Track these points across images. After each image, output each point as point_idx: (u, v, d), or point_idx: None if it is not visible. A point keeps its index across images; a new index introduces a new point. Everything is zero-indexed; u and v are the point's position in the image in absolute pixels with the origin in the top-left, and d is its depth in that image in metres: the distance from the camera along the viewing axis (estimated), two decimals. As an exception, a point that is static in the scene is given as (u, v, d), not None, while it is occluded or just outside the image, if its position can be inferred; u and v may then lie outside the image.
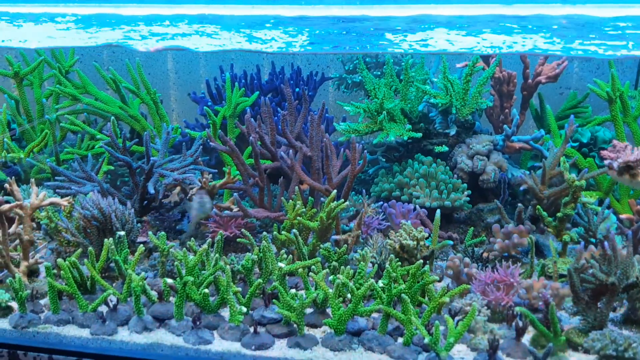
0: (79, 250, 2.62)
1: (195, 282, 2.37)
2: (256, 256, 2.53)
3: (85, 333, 2.31)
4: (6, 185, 2.54)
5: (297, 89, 3.72)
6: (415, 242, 2.60)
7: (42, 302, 2.50)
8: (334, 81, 4.06)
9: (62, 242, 2.90)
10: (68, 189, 2.94)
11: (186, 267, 2.39)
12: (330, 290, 2.24)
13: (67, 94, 3.51)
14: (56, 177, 3.06)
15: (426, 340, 1.99)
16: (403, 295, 2.12)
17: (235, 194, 3.05)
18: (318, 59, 4.36)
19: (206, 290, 2.33)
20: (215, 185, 3.03)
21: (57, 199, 2.64)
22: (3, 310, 2.43)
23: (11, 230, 2.73)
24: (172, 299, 2.40)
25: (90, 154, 3.42)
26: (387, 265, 2.28)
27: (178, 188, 3.09)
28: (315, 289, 2.31)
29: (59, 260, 2.40)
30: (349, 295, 2.32)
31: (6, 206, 2.50)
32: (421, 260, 2.30)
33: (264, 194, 2.96)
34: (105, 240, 2.57)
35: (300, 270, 2.34)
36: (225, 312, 2.42)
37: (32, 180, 2.70)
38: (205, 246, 2.43)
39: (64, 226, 2.74)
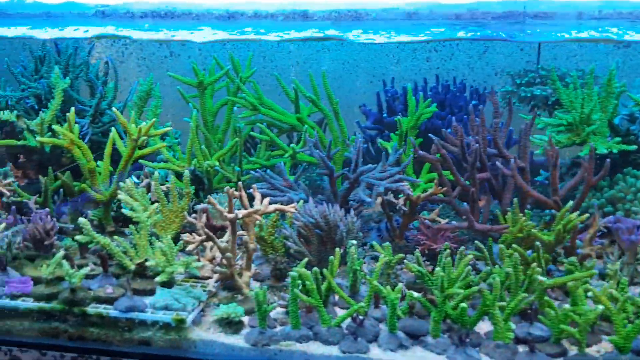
0: (305, 259, 2.52)
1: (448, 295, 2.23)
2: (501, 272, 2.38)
3: (334, 351, 2.17)
4: (228, 190, 2.45)
5: (473, 102, 3.60)
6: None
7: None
8: (502, 94, 3.93)
9: (267, 252, 2.80)
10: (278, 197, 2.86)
11: (447, 279, 2.24)
12: (612, 306, 2.08)
13: (247, 105, 3.46)
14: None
15: None
16: None
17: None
18: (475, 73, 4.27)
19: (464, 305, 2.19)
20: (420, 196, 2.90)
21: (283, 206, 2.55)
22: (235, 325, 2.32)
23: (224, 238, 2.66)
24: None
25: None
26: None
27: (379, 199, 2.97)
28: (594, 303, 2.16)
29: (302, 270, 2.29)
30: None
31: (243, 212, 2.41)
32: None
33: (474, 206, 2.83)
34: (337, 249, 2.46)
35: (571, 284, 2.18)
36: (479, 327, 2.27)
37: (254, 186, 2.61)
38: (470, 256, 2.29)
39: (288, 234, 2.64)
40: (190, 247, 2.49)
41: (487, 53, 4.22)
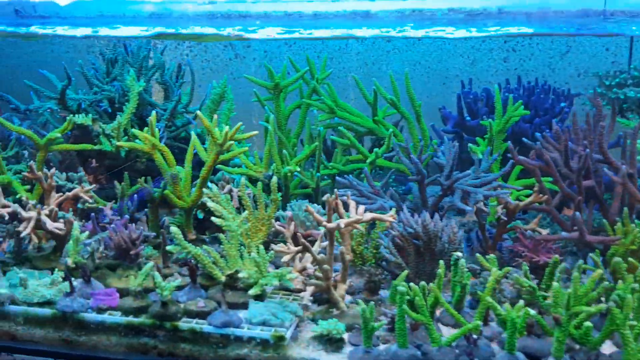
0: (405, 272, 2.35)
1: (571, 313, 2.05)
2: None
3: (447, 373, 2.01)
4: (328, 199, 2.30)
5: (562, 104, 3.40)
6: None
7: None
8: (589, 97, 3.72)
9: (356, 263, 2.66)
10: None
11: (574, 296, 2.06)
12: None
13: (323, 108, 3.32)
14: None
15: None
16: None
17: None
18: (556, 74, 4.07)
19: (589, 323, 2.00)
20: (518, 204, 2.72)
21: (380, 215, 2.39)
22: (336, 343, 2.17)
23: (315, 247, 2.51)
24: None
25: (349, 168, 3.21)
26: None
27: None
28: None
29: (412, 285, 2.13)
30: None
31: (344, 221, 2.26)
32: None
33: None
34: (440, 261, 2.30)
35: None
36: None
37: (348, 194, 2.46)
38: (600, 271, 2.11)
39: (385, 244, 2.49)
40: (285, 258, 2.35)
41: (570, 53, 4.02)
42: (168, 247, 2.35)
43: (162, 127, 3.19)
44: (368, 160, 3.10)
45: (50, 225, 2.49)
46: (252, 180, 3.24)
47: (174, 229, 2.31)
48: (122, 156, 3.15)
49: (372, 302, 2.12)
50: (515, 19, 4.15)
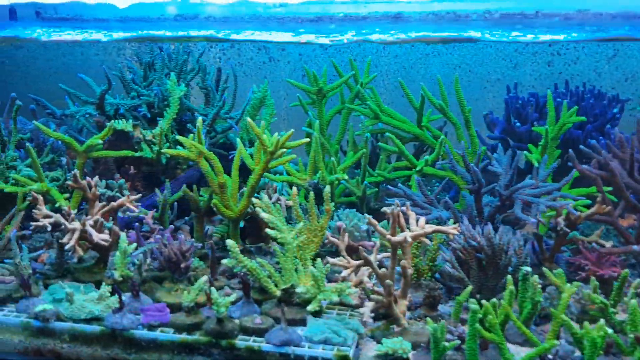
0: (469, 287, 2.24)
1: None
2: None
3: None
4: (392, 210, 2.19)
5: (615, 110, 3.28)
6: None
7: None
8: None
9: (412, 276, 2.54)
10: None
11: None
12: None
13: (367, 113, 3.21)
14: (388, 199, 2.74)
15: None
16: None
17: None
18: (602, 78, 3.95)
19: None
20: (580, 215, 2.60)
21: (443, 227, 2.27)
22: (402, 363, 2.06)
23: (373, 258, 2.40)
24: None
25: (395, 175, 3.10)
26: None
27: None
28: None
29: (484, 302, 2.01)
30: None
31: (410, 234, 2.15)
32: None
33: (645, 227, 2.52)
34: (508, 277, 2.18)
35: None
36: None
37: (407, 205, 2.35)
38: None
39: (447, 258, 2.37)
40: (345, 273, 2.24)
41: (617, 57, 3.90)
42: (224, 261, 2.24)
43: (203, 133, 3.08)
44: (417, 168, 2.98)
45: (96, 236, 2.38)
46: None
47: (230, 242, 2.20)
48: (163, 163, 3.04)
49: (443, 321, 2.01)
50: (553, 21, 4.04)
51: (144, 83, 3.28)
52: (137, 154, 2.99)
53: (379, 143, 3.15)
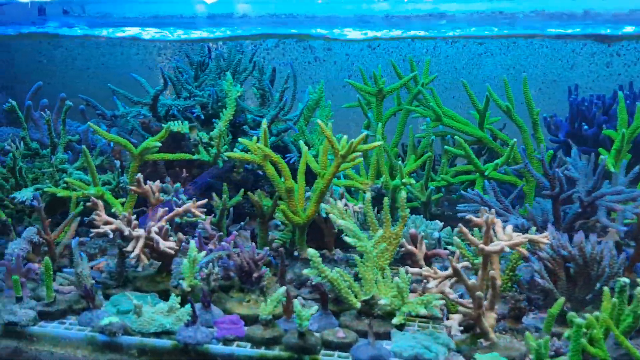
0: (562, 299, 2.10)
1: None
2: None
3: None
4: (473, 217, 2.06)
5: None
6: None
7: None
8: None
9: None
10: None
11: None
12: None
13: (428, 115, 3.09)
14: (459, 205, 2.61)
15: None
16: None
17: None
18: None
19: None
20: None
21: (535, 236, 2.14)
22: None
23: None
24: None
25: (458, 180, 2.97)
26: None
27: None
28: None
29: (587, 315, 1.88)
30: None
31: (503, 243, 2.02)
32: None
33: None
34: (605, 288, 2.04)
35: None
36: None
37: (491, 212, 2.21)
38: None
39: (537, 268, 2.24)
40: (432, 284, 2.11)
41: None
42: (305, 271, 2.11)
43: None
44: (487, 172, 2.85)
45: (163, 244, 2.26)
46: (351, 192, 3.02)
47: (312, 251, 2.07)
48: (220, 166, 2.92)
49: (547, 336, 1.87)
50: (604, 20, 3.91)
51: (195, 83, 3.16)
52: (195, 157, 2.87)
53: (446, 146, 3.02)
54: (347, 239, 2.19)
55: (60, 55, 4.22)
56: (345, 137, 2.42)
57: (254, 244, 2.29)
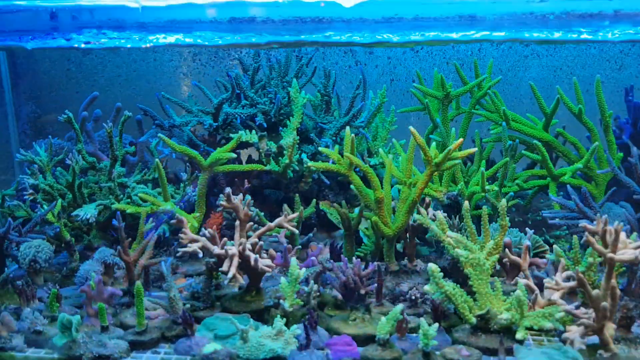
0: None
1: None
2: None
3: None
4: (617, 226, 1.98)
5: None
6: None
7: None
8: None
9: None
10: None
11: None
12: None
13: (494, 118, 3.01)
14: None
15: None
16: None
17: None
18: None
19: None
20: None
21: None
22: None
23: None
24: None
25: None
26: None
27: None
28: None
29: None
30: None
31: (636, 252, 1.94)
32: None
33: None
34: None
35: None
36: None
37: (621, 223, 2.13)
38: None
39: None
40: (555, 296, 2.02)
41: None
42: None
43: (330, 143, 2.85)
44: (565, 178, 2.78)
45: (261, 263, 2.13)
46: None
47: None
48: (290, 176, 2.79)
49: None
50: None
51: (252, 90, 3.02)
52: (267, 168, 2.74)
53: (522, 151, 2.94)
54: (458, 251, 2.09)
55: (90, 63, 4.04)
56: (434, 144, 2.32)
57: (359, 259, 2.17)
